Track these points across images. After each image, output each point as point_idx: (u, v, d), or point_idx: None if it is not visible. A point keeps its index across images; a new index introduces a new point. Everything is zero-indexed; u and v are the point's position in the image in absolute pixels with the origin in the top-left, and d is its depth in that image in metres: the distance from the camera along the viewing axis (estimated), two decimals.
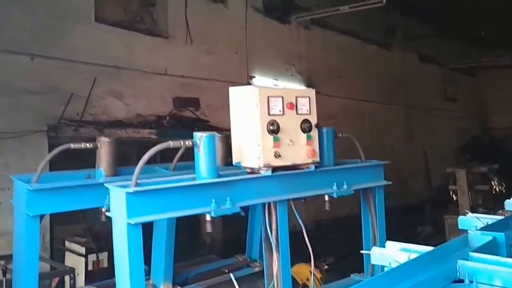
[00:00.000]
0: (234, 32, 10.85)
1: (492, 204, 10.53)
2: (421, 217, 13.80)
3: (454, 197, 11.19)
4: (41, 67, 7.64)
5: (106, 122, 8.56)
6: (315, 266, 4.46)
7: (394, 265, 2.41)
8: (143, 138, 8.51)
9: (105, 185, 3.09)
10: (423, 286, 2.16)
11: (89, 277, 6.56)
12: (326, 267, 6.30)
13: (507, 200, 3.55)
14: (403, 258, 2.45)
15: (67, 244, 7.12)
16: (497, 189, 11.08)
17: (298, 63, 12.56)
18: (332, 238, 11.01)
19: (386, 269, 2.45)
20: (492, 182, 11.19)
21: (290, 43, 12.38)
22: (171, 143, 3.30)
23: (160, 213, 3.10)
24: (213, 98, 9.77)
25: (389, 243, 2.65)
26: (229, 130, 3.72)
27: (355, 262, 4.74)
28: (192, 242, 8.52)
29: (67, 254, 7.13)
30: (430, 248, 2.48)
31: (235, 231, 6.48)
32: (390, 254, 2.54)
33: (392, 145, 15.13)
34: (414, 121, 17.24)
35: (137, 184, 3.06)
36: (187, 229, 8.18)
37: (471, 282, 2.20)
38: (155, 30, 9.64)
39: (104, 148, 3.96)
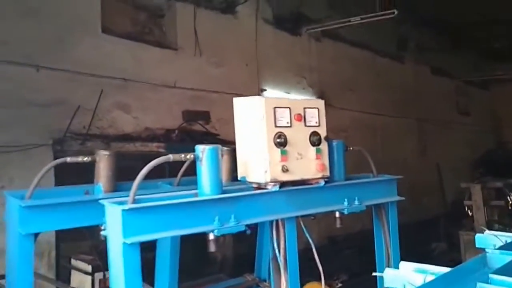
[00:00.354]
0: (244, 43, 10.72)
1: (508, 220, 10.28)
2: (435, 233, 13.50)
3: (470, 213, 10.92)
4: (47, 79, 7.53)
5: (113, 136, 8.42)
6: (328, 285, 4.23)
7: None
8: (151, 152, 8.34)
9: (100, 201, 2.89)
10: None
11: None
12: (339, 285, 6.08)
13: None
14: (418, 280, 2.30)
15: (73, 262, 6.93)
16: None
17: (309, 76, 12.38)
18: (345, 255, 10.77)
19: None
20: (508, 198, 10.90)
21: (301, 55, 12.22)
22: (171, 157, 3.10)
23: (159, 232, 2.88)
24: (223, 111, 9.59)
25: (403, 264, 2.45)
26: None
27: (370, 280, 4.51)
28: (201, 259, 8.29)
29: (73, 272, 6.93)
30: (446, 269, 2.34)
31: (245, 247, 6.27)
32: (405, 276, 2.37)
33: (405, 159, 14.86)
34: (427, 135, 16.97)
35: (135, 201, 2.86)
36: (195, 245, 7.95)
37: None
38: (164, 42, 9.53)
39: (103, 162, 3.77)
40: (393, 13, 10.09)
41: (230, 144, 6.74)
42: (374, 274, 3.17)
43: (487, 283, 2.14)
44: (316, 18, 12.21)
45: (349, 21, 10.96)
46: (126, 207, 2.74)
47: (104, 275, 6.53)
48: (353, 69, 13.66)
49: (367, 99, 13.98)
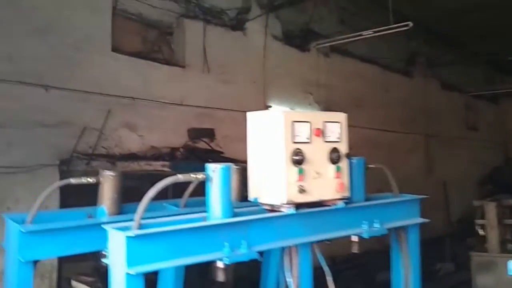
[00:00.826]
0: (252, 60, 10.57)
1: None
2: (441, 252, 13.15)
3: (481, 232, 10.57)
4: (56, 98, 7.38)
5: (119, 155, 8.25)
6: None
7: None
8: (156, 170, 8.17)
9: (103, 226, 2.68)
10: None
11: None
12: None
13: None
14: None
15: (74, 283, 6.71)
16: None
17: (317, 92, 12.19)
18: (345, 276, 10.45)
19: None
20: None
21: (309, 71, 12.05)
22: (180, 177, 2.89)
23: (166, 261, 2.66)
24: (228, 129, 9.44)
25: None
26: (244, 162, 3.28)
27: None
28: (201, 278, 7.99)
29: None
30: None
31: (246, 268, 6.01)
32: None
33: (412, 176, 14.54)
34: (434, 151, 16.70)
35: (140, 226, 2.64)
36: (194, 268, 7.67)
37: None
38: (172, 60, 9.39)
39: (107, 183, 3.57)
40: (407, 25, 9.86)
41: (234, 161, 6.57)
42: None
43: None
44: (325, 34, 12.06)
45: (361, 34, 10.74)
46: (131, 233, 2.53)
47: None
48: (361, 85, 13.46)
49: (375, 115, 13.75)
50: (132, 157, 8.39)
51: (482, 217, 10.34)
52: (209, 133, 9.58)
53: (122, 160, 8.16)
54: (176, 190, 4.49)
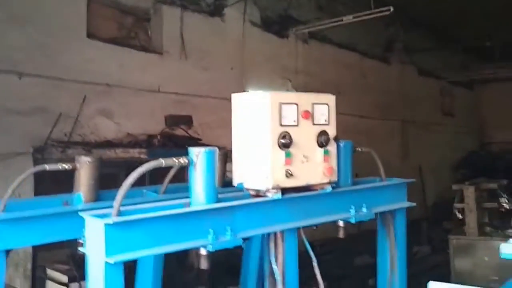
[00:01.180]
0: (230, 47, 10.44)
1: (499, 223, 10.04)
2: (417, 236, 13.26)
3: (459, 216, 10.64)
4: (30, 86, 7.22)
5: (95, 143, 8.10)
6: None
7: None
8: (133, 158, 8.04)
9: (80, 214, 2.53)
10: None
11: None
12: None
13: None
14: None
15: (49, 272, 6.58)
16: (506, 207, 10.57)
17: (295, 78, 12.11)
18: (325, 261, 10.45)
19: None
20: (501, 199, 10.67)
21: (287, 58, 11.96)
22: (163, 162, 2.74)
23: (147, 249, 2.52)
24: (206, 115, 9.35)
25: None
26: (223, 148, 3.15)
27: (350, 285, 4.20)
28: (180, 264, 7.89)
29: (48, 283, 6.61)
30: None
31: (223, 253, 5.90)
32: None
33: (388, 162, 14.56)
34: (411, 137, 16.81)
35: (119, 213, 2.50)
36: (177, 263, 7.57)
37: None
38: (149, 46, 9.22)
39: (84, 169, 3.40)
40: (389, 10, 9.78)
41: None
42: None
43: None
44: (304, 20, 11.98)
45: (341, 20, 10.64)
46: (110, 220, 2.38)
47: (80, 286, 6.20)
48: (339, 71, 13.42)
49: (353, 102, 13.73)
50: (109, 144, 8.25)
51: (461, 201, 10.42)
52: (187, 120, 9.46)
53: (98, 147, 8.02)
54: (153, 178, 4.32)
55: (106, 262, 2.33)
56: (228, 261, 5.03)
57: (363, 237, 6.97)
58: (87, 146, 7.93)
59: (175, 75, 9.35)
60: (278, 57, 11.73)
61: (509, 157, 19.52)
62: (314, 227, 3.39)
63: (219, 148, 3.07)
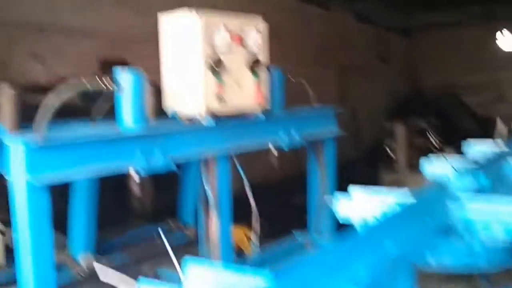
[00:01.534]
0: None
1: None
2: (352, 177, 13.66)
3: (390, 154, 11.03)
4: None
5: (25, 88, 7.72)
6: (249, 228, 3.81)
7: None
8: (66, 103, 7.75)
9: (1, 137, 2.40)
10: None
11: None
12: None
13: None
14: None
15: None
16: (436, 145, 11.02)
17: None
18: (261, 202, 10.58)
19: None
20: (430, 138, 11.13)
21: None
22: (87, 85, 2.63)
23: (72, 170, 2.43)
24: (143, 59, 9.03)
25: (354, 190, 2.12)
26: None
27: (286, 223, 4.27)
28: (120, 208, 7.80)
29: None
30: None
31: (166, 196, 5.88)
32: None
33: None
34: (348, 83, 17.04)
35: (45, 138, 2.38)
36: (113, 192, 7.45)
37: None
38: None
39: (6, 98, 3.23)
40: None
41: None
42: (326, 198, 2.84)
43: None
44: None
45: None
46: (33, 142, 2.28)
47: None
48: (277, 16, 13.25)
49: (292, 48, 13.69)
50: (40, 89, 7.91)
51: (392, 140, 10.79)
52: (122, 64, 9.16)
53: (29, 92, 7.67)
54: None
55: (29, 183, 2.24)
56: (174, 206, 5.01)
57: (303, 178, 7.07)
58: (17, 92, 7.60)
59: (111, 17, 8.98)
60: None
61: (440, 100, 20.24)
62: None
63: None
